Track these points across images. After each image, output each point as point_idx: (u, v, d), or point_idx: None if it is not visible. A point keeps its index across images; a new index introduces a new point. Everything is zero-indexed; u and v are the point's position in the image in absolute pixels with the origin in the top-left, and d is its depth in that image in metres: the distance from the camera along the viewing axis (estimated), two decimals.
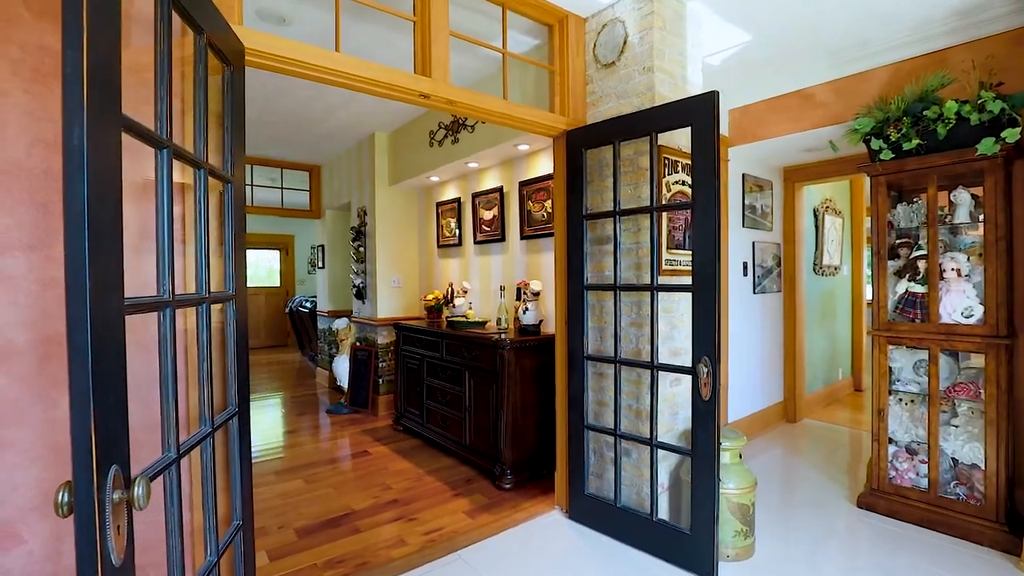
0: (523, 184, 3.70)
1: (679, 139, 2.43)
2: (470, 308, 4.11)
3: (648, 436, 2.29)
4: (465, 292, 4.24)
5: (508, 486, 3.11)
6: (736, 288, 3.76)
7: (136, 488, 0.90)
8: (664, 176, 2.37)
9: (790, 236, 4.20)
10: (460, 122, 3.84)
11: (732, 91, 3.47)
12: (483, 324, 3.81)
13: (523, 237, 3.74)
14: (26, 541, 1.38)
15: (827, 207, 4.67)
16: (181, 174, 1.47)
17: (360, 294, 5.21)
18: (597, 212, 2.50)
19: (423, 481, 3.28)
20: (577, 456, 2.58)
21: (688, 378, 2.26)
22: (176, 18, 1.25)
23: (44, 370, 1.41)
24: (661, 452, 2.29)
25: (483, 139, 3.61)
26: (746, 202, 3.82)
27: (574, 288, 2.57)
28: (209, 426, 1.36)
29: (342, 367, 5.16)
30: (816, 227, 4.58)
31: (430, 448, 3.89)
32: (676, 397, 2.47)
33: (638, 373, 2.43)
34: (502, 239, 3.96)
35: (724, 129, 3.55)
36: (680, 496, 2.40)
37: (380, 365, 4.92)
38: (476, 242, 4.26)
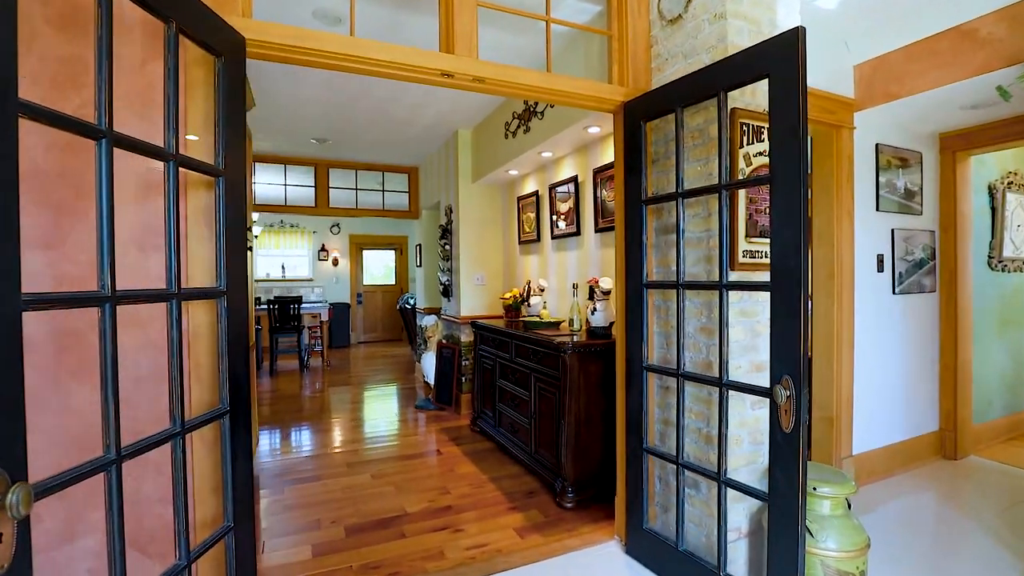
0: (597, 171, 3.36)
1: (763, 99, 1.94)
2: (544, 307, 3.86)
3: (716, 469, 1.86)
4: (542, 290, 4.00)
5: (569, 505, 2.81)
6: (867, 287, 3.01)
7: (11, 495, 0.83)
8: (741, 146, 1.90)
9: (949, 221, 3.26)
10: (531, 109, 3.61)
11: (856, 39, 2.77)
12: (557, 325, 3.54)
13: (598, 230, 3.39)
14: (43, 520, 1.47)
15: (1009, 182, 3.57)
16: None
17: (446, 291, 5.24)
18: (658, 195, 2.10)
19: (483, 489, 3.12)
20: (635, 483, 2.21)
21: None
22: (136, 8, 1.21)
23: (61, 361, 1.48)
24: (733, 492, 1.84)
25: (551, 124, 3.34)
26: (881, 179, 3.04)
27: (633, 286, 2.20)
28: (179, 426, 1.31)
29: (429, 364, 5.23)
30: (992, 209, 3.52)
31: (500, 453, 3.73)
32: (759, 423, 1.98)
33: (709, 391, 1.99)
34: (577, 232, 3.64)
35: (846, 90, 2.85)
36: (763, 548, 1.91)
37: (463, 363, 4.89)
38: (553, 237, 3.99)
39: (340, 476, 3.35)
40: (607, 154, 3.29)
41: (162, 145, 1.29)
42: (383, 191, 6.57)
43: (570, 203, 3.72)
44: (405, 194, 6.67)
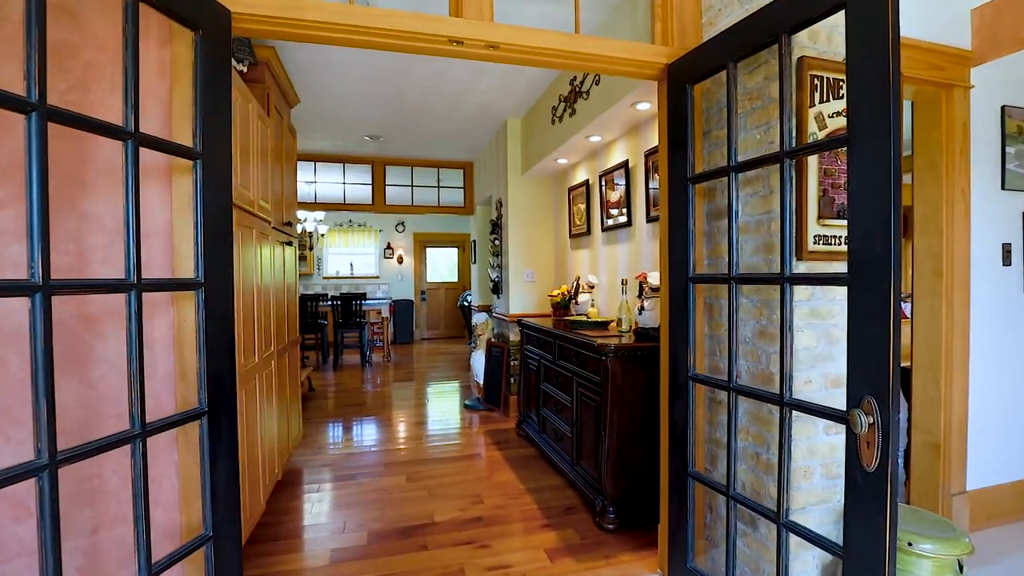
0: (648, 154, 3.01)
1: (839, 43, 1.54)
2: (592, 306, 3.56)
3: (775, 508, 1.50)
4: (591, 287, 3.70)
5: (610, 527, 2.51)
6: (988, 284, 2.43)
7: None
8: (812, 105, 1.53)
9: None
10: (576, 90, 3.32)
11: None
12: (604, 325, 3.23)
13: (649, 219, 3.04)
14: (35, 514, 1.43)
15: None
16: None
17: (496, 288, 5.06)
18: (706, 172, 1.75)
19: (519, 500, 2.89)
20: (678, 512, 1.88)
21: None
22: None
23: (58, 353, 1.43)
24: (797, 537, 1.47)
25: (597, 103, 3.04)
26: (1009, 151, 2.44)
27: (677, 281, 1.87)
28: (138, 428, 1.20)
29: (478, 362, 5.08)
30: None
31: (542, 461, 3.48)
32: (835, 452, 1.59)
33: (769, 409, 1.63)
34: (628, 223, 3.31)
35: (960, 39, 2.30)
36: None
37: (512, 363, 4.68)
38: (603, 229, 3.67)
39: (376, 476, 3.26)
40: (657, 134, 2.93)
41: (120, 124, 1.19)
42: (438, 187, 6.52)
43: (621, 191, 3.38)
44: (460, 190, 6.58)
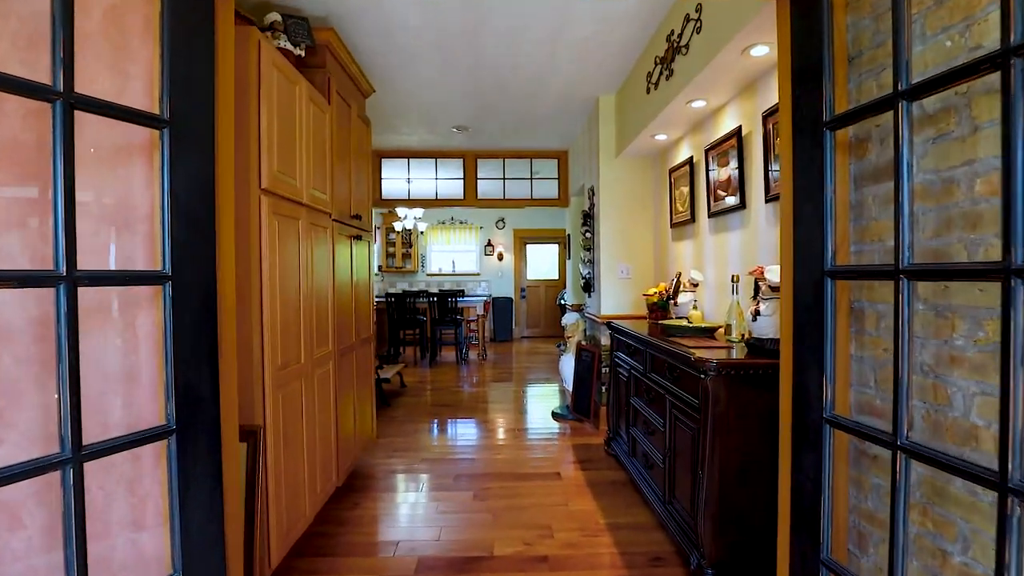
0: (768, 115, 2.34)
1: None
2: (695, 307, 2.93)
3: None
4: (694, 285, 3.08)
5: None
6: None
7: None
8: None
9: None
10: (674, 46, 2.73)
11: None
12: (710, 332, 2.62)
13: (769, 198, 2.37)
14: (26, 527, 1.32)
15: None
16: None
17: (587, 286, 4.57)
18: (855, 109, 1.15)
19: (596, 539, 2.42)
20: None
21: None
22: None
23: (39, 353, 1.31)
24: None
25: (698, 57, 2.44)
26: None
27: (804, 275, 1.28)
28: (68, 451, 0.99)
29: (567, 367, 4.64)
30: None
31: (630, 490, 2.95)
32: None
33: (971, 489, 1.01)
34: (741, 205, 2.65)
35: None
36: None
37: (604, 369, 4.17)
38: (710, 214, 3.03)
39: (444, 489, 2.99)
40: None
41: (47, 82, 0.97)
42: (531, 179, 6.17)
43: (732, 167, 2.73)
44: (554, 181, 6.17)
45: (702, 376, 1.97)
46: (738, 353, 2.10)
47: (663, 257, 3.96)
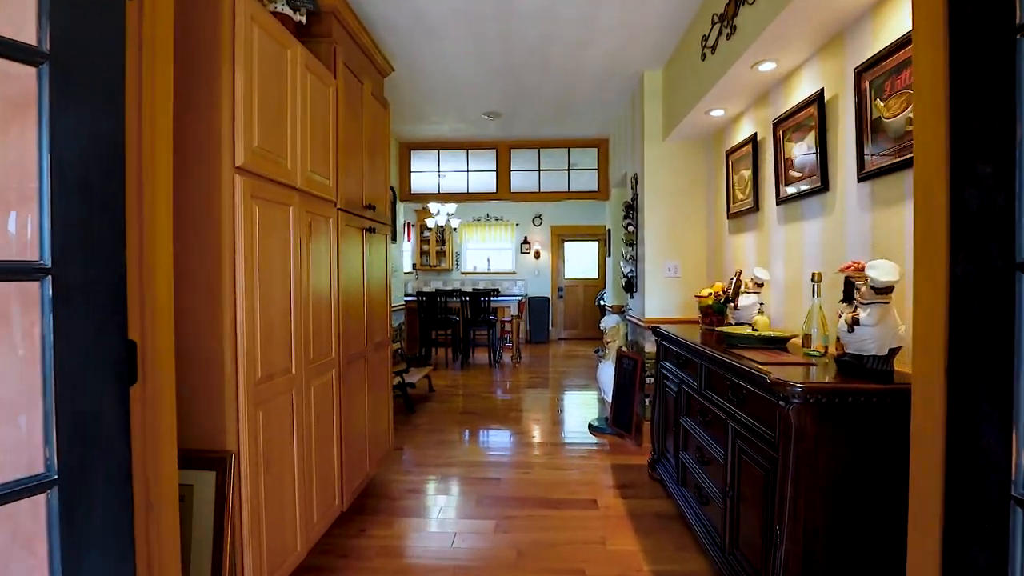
0: (862, 71, 1.85)
1: None
2: (761, 312, 2.45)
3: None
4: (759, 285, 2.60)
5: None
6: None
7: None
8: None
9: None
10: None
11: None
12: (781, 343, 2.15)
13: (863, 177, 1.88)
14: None
15: None
16: None
17: (629, 286, 4.12)
18: None
19: None
20: None
21: None
22: None
23: None
24: None
25: (768, 3, 1.97)
26: None
27: (971, 269, 0.84)
28: None
29: (606, 376, 4.20)
30: None
31: (679, 525, 2.51)
32: None
33: None
34: (822, 188, 2.16)
35: None
36: None
37: (647, 380, 3.72)
38: (779, 201, 2.54)
39: (462, 517, 2.64)
40: (882, 32, 1.76)
41: None
42: (568, 170, 5.75)
43: (809, 140, 2.24)
44: (594, 172, 5.73)
45: (781, 403, 1.52)
46: (824, 374, 1.64)
47: (718, 252, 3.47)
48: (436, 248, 9.82)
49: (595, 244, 9.99)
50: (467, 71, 3.74)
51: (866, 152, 1.86)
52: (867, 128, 1.85)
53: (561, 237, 9.95)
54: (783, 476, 1.53)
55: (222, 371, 1.56)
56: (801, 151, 2.32)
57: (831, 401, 1.47)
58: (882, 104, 1.77)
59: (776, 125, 2.52)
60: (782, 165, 2.49)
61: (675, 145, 3.67)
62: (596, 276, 10.01)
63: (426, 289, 9.63)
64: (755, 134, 2.79)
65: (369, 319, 2.77)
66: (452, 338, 7.48)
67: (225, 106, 1.56)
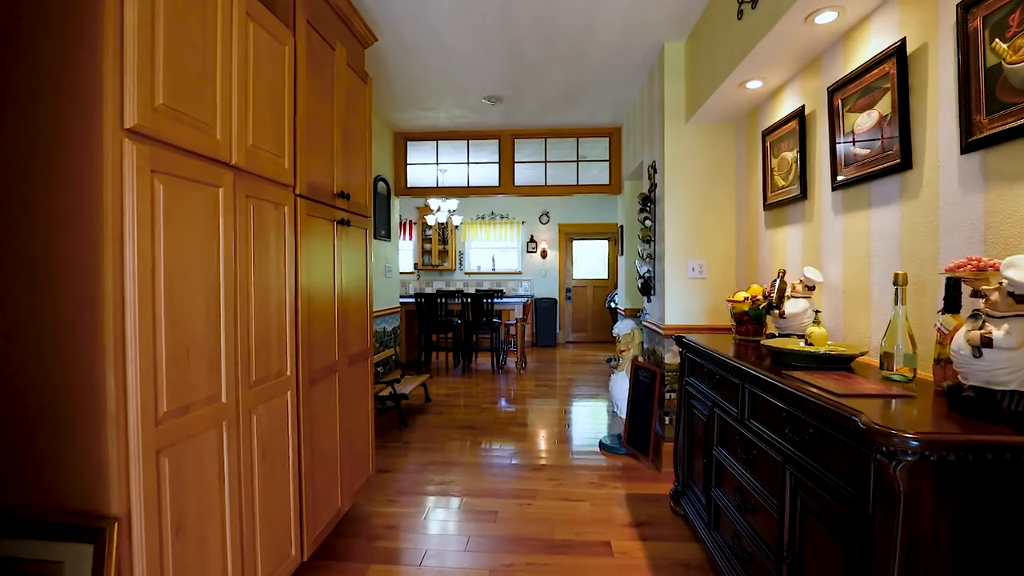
0: (971, 3, 1.39)
1: None
2: (815, 321, 1.99)
3: None
4: (809, 289, 2.14)
5: None
6: None
7: None
8: None
9: None
10: None
11: None
12: (845, 360, 1.70)
13: (971, 146, 1.42)
14: None
15: None
16: None
17: (646, 288, 3.67)
18: None
19: None
20: None
21: None
22: None
23: None
24: None
25: None
26: None
27: None
28: None
29: (619, 388, 3.75)
30: None
31: None
32: None
33: None
34: (901, 166, 1.69)
35: None
36: None
37: (667, 395, 3.27)
38: (836, 185, 2.08)
39: (449, 565, 2.21)
40: None
41: None
42: (577, 162, 5.31)
43: (883, 106, 1.78)
44: (605, 164, 5.28)
45: (882, 458, 1.07)
46: (925, 412, 1.19)
47: (750, 250, 3.01)
48: (438, 247, 9.42)
49: (605, 243, 9.54)
50: (463, 44, 3.31)
51: (975, 115, 1.40)
52: (978, 81, 1.39)
53: (569, 235, 9.50)
54: (883, 558, 1.08)
55: (102, 405, 1.14)
56: (869, 122, 1.86)
57: (962, 459, 1.01)
58: (1004, 46, 1.31)
59: (833, 93, 2.06)
60: (841, 141, 2.03)
61: (700, 128, 3.21)
62: (606, 277, 9.55)
63: (428, 290, 9.23)
64: (802, 107, 2.33)
65: (343, 327, 2.35)
66: (453, 342, 7.06)
67: (110, 43, 1.14)
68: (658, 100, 3.41)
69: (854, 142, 1.94)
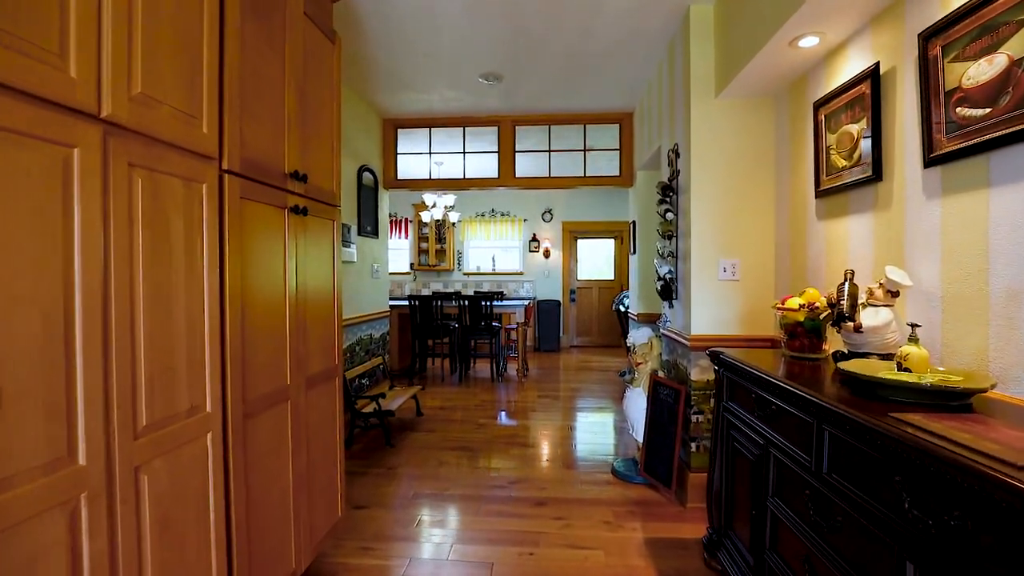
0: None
1: None
2: (911, 338, 1.50)
3: None
4: (892, 295, 1.66)
5: None
6: None
7: None
8: None
9: None
10: None
11: None
12: (966, 395, 1.22)
13: None
14: None
15: None
16: None
17: (667, 291, 3.18)
18: None
19: None
20: None
21: None
22: None
23: None
24: None
25: None
26: None
27: None
28: None
29: (635, 407, 3.27)
30: None
31: None
32: None
33: None
34: None
35: None
36: None
37: (693, 417, 2.79)
38: (930, 161, 1.59)
39: None
40: None
41: None
42: (584, 151, 4.83)
43: (1012, 49, 1.29)
44: (615, 153, 4.79)
45: None
46: None
47: (796, 246, 2.52)
48: (435, 246, 8.95)
49: (611, 242, 9.06)
50: (454, 7, 2.83)
51: None
52: None
53: (574, 234, 9.02)
54: None
55: None
56: (991, 71, 1.37)
57: None
58: None
59: (928, 40, 1.57)
60: (941, 102, 1.54)
61: (732, 104, 2.73)
62: (612, 277, 9.07)
63: (424, 291, 8.77)
64: (876, 65, 1.85)
65: (299, 342, 1.88)
66: (450, 348, 6.59)
67: None
68: (681, 73, 2.93)
69: (966, 101, 1.46)
